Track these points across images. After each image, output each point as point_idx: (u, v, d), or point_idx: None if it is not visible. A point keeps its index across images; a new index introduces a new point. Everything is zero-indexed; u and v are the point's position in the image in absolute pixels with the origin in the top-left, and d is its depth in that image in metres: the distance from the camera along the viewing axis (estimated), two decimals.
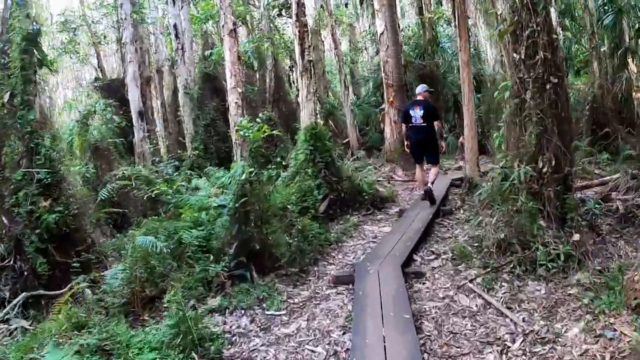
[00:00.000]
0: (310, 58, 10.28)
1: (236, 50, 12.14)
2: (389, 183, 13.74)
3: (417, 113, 9.70)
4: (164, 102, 22.40)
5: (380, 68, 18.01)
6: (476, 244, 7.46)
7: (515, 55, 7.85)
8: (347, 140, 19.67)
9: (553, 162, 7.43)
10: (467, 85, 11.08)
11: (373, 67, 24.66)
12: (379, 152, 18.94)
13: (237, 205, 6.40)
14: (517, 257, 6.59)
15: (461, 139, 12.37)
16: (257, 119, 7.79)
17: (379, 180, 13.81)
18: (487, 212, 9.38)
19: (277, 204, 7.75)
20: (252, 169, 6.62)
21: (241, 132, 6.82)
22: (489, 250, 6.99)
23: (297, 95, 19.22)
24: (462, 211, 10.09)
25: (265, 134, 7.00)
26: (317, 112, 22.61)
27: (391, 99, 15.91)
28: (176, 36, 16.39)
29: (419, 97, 10.09)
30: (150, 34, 24.77)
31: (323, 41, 25.32)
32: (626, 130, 12.97)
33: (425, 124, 9.63)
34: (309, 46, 10.39)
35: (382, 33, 15.91)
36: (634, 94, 14.18)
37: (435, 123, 9.81)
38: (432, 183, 9.79)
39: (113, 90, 21.10)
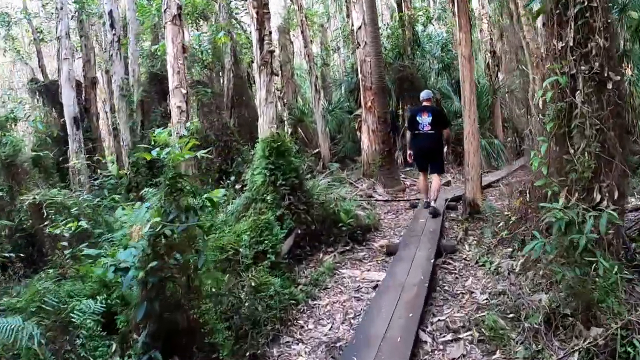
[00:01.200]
0: (272, 48, 7.76)
1: (181, 42, 9.58)
2: (368, 204, 11.34)
3: (424, 119, 8.97)
4: (114, 107, 19.60)
5: (355, 69, 15.65)
6: (509, 313, 5.05)
7: (557, 42, 5.58)
8: (317, 150, 17.24)
9: (615, 194, 5.16)
10: (469, 86, 8.74)
11: (347, 69, 22.30)
12: (354, 164, 16.58)
13: (145, 272, 3.87)
14: (583, 343, 4.22)
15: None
16: (186, 130, 5.18)
17: (356, 200, 11.41)
18: (504, 252, 7.12)
19: (215, 257, 5.26)
20: (170, 212, 4.09)
21: (154, 153, 4.28)
22: (534, 327, 4.61)
23: None
24: (467, 246, 7.75)
25: (186, 157, 4.41)
26: (284, 118, 20.18)
27: (369, 104, 13.51)
28: (111, 25, 13.66)
29: (426, 103, 9.28)
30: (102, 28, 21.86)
31: (292, 42, 22.84)
32: None
33: (433, 132, 8.95)
34: (270, 33, 7.88)
35: (359, 28, 13.52)
36: None
37: (445, 131, 9.24)
38: (435, 200, 9.28)
39: (52, 93, 18.27)
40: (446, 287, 6.27)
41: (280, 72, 20.88)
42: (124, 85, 13.86)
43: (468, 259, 7.27)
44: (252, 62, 17.82)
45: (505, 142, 18.26)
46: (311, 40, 19.05)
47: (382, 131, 12.54)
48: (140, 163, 12.23)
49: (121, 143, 14.31)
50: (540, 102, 6.40)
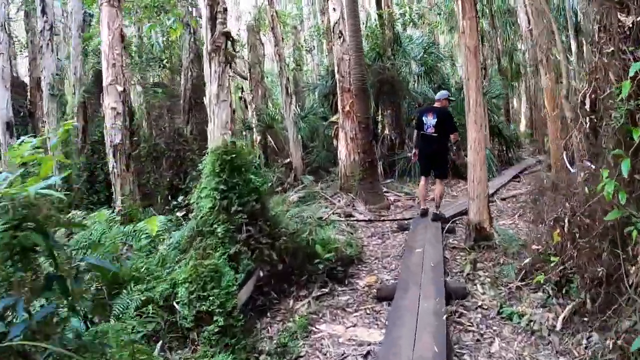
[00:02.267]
0: (227, 30, 5.83)
1: (119, 28, 7.65)
2: (348, 225, 9.49)
3: (429, 121, 8.34)
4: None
5: (331, 70, 13.85)
6: None
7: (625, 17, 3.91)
8: (288, 160, 15.35)
9: None
10: (475, 85, 6.98)
11: (321, 72, 20.51)
12: (329, 176, 14.74)
13: None
14: None
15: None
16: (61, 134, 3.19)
17: (334, 221, 9.56)
18: (533, 298, 5.33)
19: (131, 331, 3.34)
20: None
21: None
22: None
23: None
24: (479, 287, 5.97)
25: (49, 179, 2.50)
26: (252, 125, 18.26)
27: (348, 108, 11.69)
28: (42, 11, 11.56)
29: (436, 104, 8.67)
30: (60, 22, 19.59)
31: (263, 43, 20.96)
32: None
33: (437, 134, 8.28)
34: (225, 10, 5.93)
35: (337, 22, 11.70)
36: None
37: (452, 136, 8.45)
38: (438, 207, 8.76)
39: None
40: (466, 357, 4.45)
41: (249, 74, 19.00)
42: (54, 84, 11.74)
43: (485, 306, 5.48)
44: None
45: (492, 150, 16.68)
46: (282, 39, 17.13)
47: (363, 139, 10.71)
48: (75, 177, 10.15)
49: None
50: (588, 102, 4.65)
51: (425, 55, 16.69)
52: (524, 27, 21.08)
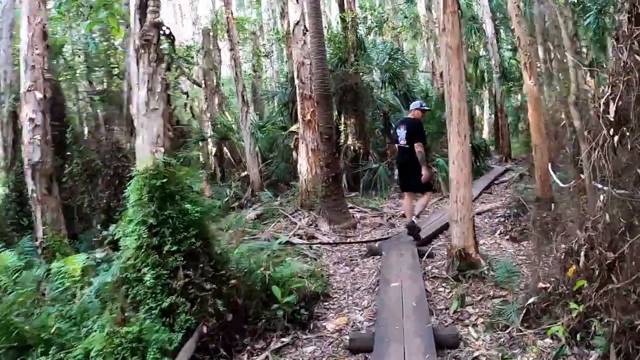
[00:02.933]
0: (158, 19, 4.66)
1: (41, 23, 6.41)
2: (311, 248, 8.41)
3: (401, 132, 8.09)
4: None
5: (291, 77, 12.77)
6: None
7: None
8: (245, 174, 14.19)
9: None
10: (458, 90, 6.00)
11: (281, 79, 19.41)
12: (290, 189, 13.62)
13: None
14: None
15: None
16: None
17: (295, 245, 8.46)
18: (541, 346, 4.33)
19: None
20: None
21: None
22: None
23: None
24: (472, 331, 4.94)
25: None
26: (207, 135, 16.98)
27: (308, 117, 10.66)
28: None
29: (409, 115, 8.53)
30: None
31: (220, 50, 19.77)
32: None
33: (408, 146, 7.93)
34: None
35: (297, 22, 10.70)
36: None
37: (415, 145, 7.78)
38: (418, 217, 8.36)
39: None
40: None
41: (203, 81, 17.76)
42: None
43: (483, 356, 4.45)
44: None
45: None
46: (239, 43, 15.97)
47: (326, 151, 9.62)
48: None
49: None
50: (613, 109, 3.70)
51: (390, 61, 15.79)
52: (490, 33, 20.52)
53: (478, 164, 16.81)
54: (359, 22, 16.02)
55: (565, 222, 4.60)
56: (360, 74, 15.08)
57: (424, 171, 7.78)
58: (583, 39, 16.18)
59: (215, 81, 18.02)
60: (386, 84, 16.39)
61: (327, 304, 6.04)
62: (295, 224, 9.87)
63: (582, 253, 4.04)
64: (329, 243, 8.76)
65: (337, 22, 16.82)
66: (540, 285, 4.42)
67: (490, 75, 22.13)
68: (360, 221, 10.13)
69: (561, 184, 8.54)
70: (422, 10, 19.88)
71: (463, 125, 6.01)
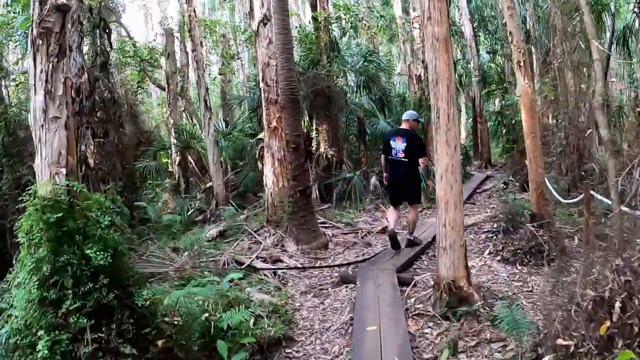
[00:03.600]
0: (62, 2, 3.57)
1: None
2: (275, 275, 7.35)
3: (398, 145, 7.59)
4: None
5: (258, 80, 11.69)
6: None
7: None
8: (209, 185, 13.09)
9: None
10: (447, 92, 5.00)
11: (250, 83, 18.27)
12: (258, 201, 12.54)
13: None
14: None
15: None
16: None
17: (258, 271, 7.40)
18: None
19: None
20: None
21: None
22: None
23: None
24: None
25: None
26: (169, 144, 15.79)
27: (275, 124, 9.61)
28: None
29: (404, 126, 7.88)
30: None
31: (187, 52, 18.54)
32: None
33: (407, 160, 7.54)
34: None
35: (262, 19, 9.67)
36: None
37: (421, 160, 7.62)
38: (412, 232, 7.92)
39: None
40: None
41: (167, 85, 16.57)
42: None
43: None
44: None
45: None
46: (202, 43, 14.85)
47: (293, 162, 8.55)
48: None
49: None
50: None
51: (365, 64, 14.83)
52: (468, 35, 19.74)
53: None
54: (332, 21, 15.01)
55: (588, 258, 3.62)
56: (334, 76, 14.10)
57: (430, 182, 7.83)
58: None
59: (180, 85, 16.87)
60: (361, 88, 15.43)
61: (290, 351, 4.99)
62: (260, 243, 8.80)
63: (617, 304, 3.08)
64: (296, 267, 7.71)
65: (309, 22, 15.79)
66: (560, 342, 3.42)
67: (468, 79, 21.37)
68: (333, 239, 9.10)
69: (563, 200, 7.71)
70: (398, 12, 18.96)
71: (453, 134, 5.02)
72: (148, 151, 14.76)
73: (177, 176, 15.51)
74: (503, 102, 20.96)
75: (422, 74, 14.27)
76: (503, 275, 6.71)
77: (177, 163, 15.60)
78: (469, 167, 18.29)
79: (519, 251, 7.20)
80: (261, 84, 9.86)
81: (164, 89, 18.05)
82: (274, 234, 9.09)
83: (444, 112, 4.92)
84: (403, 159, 7.53)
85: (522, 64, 6.75)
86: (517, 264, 6.97)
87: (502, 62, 20.56)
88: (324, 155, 13.18)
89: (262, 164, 10.16)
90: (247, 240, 9.19)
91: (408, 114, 8.01)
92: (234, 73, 23.23)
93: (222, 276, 5.74)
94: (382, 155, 8.07)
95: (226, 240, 9.69)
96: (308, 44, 14.27)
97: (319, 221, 10.18)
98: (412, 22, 15.66)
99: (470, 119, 23.79)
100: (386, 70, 16.42)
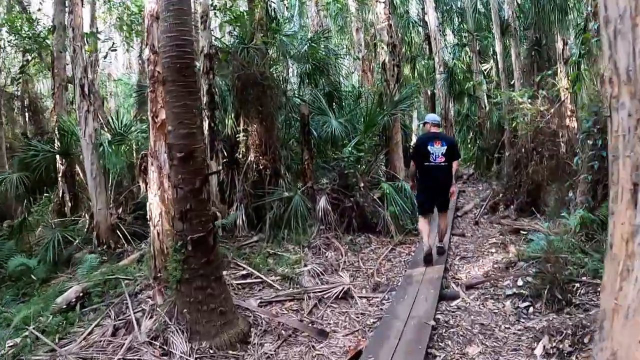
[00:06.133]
0: None
1: None
2: None
3: (437, 149, 6.98)
4: None
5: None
6: None
7: None
8: (91, 212, 8.94)
9: None
10: None
11: None
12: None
13: None
14: None
15: None
16: None
17: None
18: None
19: None
20: None
21: None
22: None
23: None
24: None
25: None
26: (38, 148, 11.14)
27: (159, 116, 5.59)
28: None
29: (435, 129, 7.23)
30: None
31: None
32: None
33: (446, 164, 6.98)
34: None
35: None
36: None
37: (455, 163, 7.12)
38: (442, 240, 7.46)
39: None
40: None
41: (52, 68, 12.14)
42: None
43: None
44: None
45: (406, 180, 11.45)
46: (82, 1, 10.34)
47: (183, 185, 4.42)
48: None
49: None
50: None
51: (312, 46, 11.03)
52: (433, 26, 16.28)
53: None
54: None
55: None
56: (270, 62, 10.22)
57: (454, 188, 7.18)
58: None
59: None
60: (306, 79, 11.59)
61: None
62: (131, 329, 4.80)
63: None
64: None
65: None
66: None
67: (430, 76, 17.89)
68: (258, 319, 5.11)
69: None
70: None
71: None
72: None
73: (60, 192, 11.15)
74: (469, 103, 17.74)
75: (387, 60, 10.54)
76: None
77: (62, 174, 11.23)
78: None
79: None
80: (145, 51, 5.86)
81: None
82: (160, 305, 5.10)
83: None
84: (442, 164, 7.01)
85: None
86: None
87: (470, 58, 17.29)
88: (255, 166, 9.25)
89: (146, 185, 6.06)
90: (113, 320, 5.16)
91: (434, 117, 7.52)
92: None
93: None
94: (413, 162, 7.41)
95: (83, 312, 5.73)
96: (240, 20, 10.28)
97: (240, 273, 6.34)
98: None
99: None
100: (339, 58, 12.56)
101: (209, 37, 8.94)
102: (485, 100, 16.85)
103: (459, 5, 18.77)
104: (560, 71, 10.78)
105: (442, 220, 7.34)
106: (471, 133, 16.81)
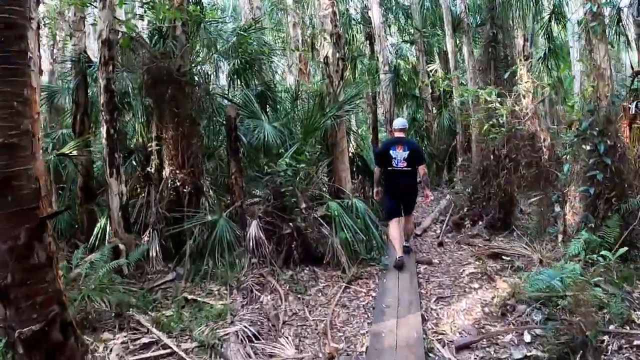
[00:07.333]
0: None
1: None
2: None
3: (399, 154, 7.05)
4: None
5: None
6: None
7: None
8: None
9: None
10: None
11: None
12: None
13: None
14: None
15: None
16: None
17: None
18: None
19: None
20: None
21: None
22: None
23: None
24: None
25: None
26: None
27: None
28: None
29: (399, 134, 7.33)
30: None
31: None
32: None
33: (409, 168, 7.07)
34: None
35: None
36: None
37: (421, 168, 7.16)
38: (408, 240, 7.68)
39: None
40: None
41: None
42: None
43: None
44: None
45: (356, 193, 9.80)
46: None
47: (1, 238, 2.57)
48: None
49: None
50: None
51: (242, 34, 9.20)
52: (377, 22, 14.75)
53: None
54: None
55: None
56: (191, 57, 8.31)
57: (428, 192, 7.40)
58: None
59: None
60: (235, 77, 9.72)
61: None
62: None
63: None
64: None
65: None
66: None
67: (373, 76, 16.32)
68: None
69: None
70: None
71: None
72: None
73: None
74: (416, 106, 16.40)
75: (331, 53, 8.82)
76: None
77: None
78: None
79: None
80: None
81: None
82: None
83: None
84: (405, 168, 7.02)
85: None
86: None
87: (416, 57, 15.92)
88: (171, 183, 7.31)
89: None
90: None
91: (403, 122, 7.52)
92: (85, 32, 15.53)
93: None
94: (377, 168, 7.42)
95: None
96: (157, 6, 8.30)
97: (141, 340, 4.48)
98: None
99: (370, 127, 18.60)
100: (272, 53, 10.69)
101: (109, 18, 6.96)
102: (430, 104, 15.60)
103: (405, 2, 17.46)
104: (521, 69, 9.53)
105: (408, 222, 7.44)
106: (417, 137, 15.40)
